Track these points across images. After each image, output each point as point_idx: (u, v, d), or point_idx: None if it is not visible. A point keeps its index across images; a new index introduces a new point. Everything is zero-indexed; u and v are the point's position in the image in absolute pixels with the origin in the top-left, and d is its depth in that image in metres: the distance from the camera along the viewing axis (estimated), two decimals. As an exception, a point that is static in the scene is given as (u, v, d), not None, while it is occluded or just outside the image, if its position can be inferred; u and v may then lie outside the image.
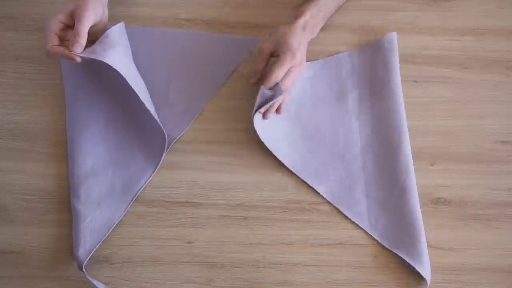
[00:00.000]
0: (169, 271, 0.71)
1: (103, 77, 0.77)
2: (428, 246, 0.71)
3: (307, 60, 0.75)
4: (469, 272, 0.71)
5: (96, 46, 0.68)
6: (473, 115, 0.77)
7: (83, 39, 0.66)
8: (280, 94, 0.70)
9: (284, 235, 0.73)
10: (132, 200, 0.73)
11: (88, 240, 0.70)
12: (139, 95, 0.69)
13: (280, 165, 0.75)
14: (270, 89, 0.70)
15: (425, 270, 0.69)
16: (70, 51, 0.66)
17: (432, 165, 0.75)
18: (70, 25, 0.68)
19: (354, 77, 0.78)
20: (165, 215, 0.73)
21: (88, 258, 0.69)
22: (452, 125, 0.77)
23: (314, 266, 0.71)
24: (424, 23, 0.81)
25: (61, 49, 0.66)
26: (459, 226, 0.73)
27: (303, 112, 0.78)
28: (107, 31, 0.70)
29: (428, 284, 0.68)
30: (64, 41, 0.68)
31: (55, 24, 0.67)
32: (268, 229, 0.73)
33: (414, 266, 0.69)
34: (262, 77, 0.75)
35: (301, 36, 0.73)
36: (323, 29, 0.79)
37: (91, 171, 0.73)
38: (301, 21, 0.74)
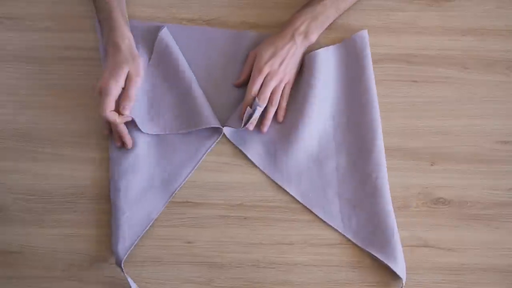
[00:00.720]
0: (169, 271, 0.71)
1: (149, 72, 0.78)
2: (428, 246, 0.72)
3: None
4: (469, 272, 0.71)
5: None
6: (473, 115, 0.77)
7: (132, 103, 0.71)
8: (256, 108, 0.72)
9: (284, 235, 0.73)
10: (170, 196, 0.73)
11: (126, 236, 0.70)
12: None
13: (280, 165, 0.75)
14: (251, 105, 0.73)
15: (399, 268, 0.69)
16: (120, 113, 0.70)
17: (432, 165, 0.75)
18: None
19: (326, 76, 0.77)
20: (165, 215, 0.73)
21: (127, 254, 0.69)
22: (452, 125, 0.77)
23: (314, 266, 0.71)
24: (424, 23, 0.81)
25: (115, 114, 0.70)
26: (459, 226, 0.73)
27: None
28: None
29: (404, 282, 0.69)
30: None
31: (116, 90, 0.70)
32: (268, 229, 0.73)
33: (389, 264, 0.69)
34: (243, 81, 0.77)
35: (287, 45, 0.75)
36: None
37: (131, 166, 0.73)
38: (288, 30, 0.75)
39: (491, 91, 0.78)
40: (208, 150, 0.75)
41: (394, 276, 0.70)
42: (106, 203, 0.74)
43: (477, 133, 0.76)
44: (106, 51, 0.73)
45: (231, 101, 0.78)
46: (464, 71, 0.79)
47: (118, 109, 0.70)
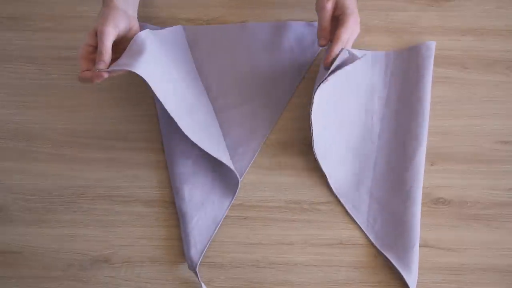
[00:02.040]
0: (169, 271, 0.71)
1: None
2: (428, 246, 0.72)
3: None
4: (469, 272, 0.71)
5: (122, 58, 0.66)
6: (473, 115, 0.77)
7: (105, 56, 0.64)
8: (355, 60, 0.66)
9: (284, 235, 0.73)
10: (234, 196, 0.73)
11: (197, 240, 0.71)
12: (161, 100, 0.65)
13: (280, 165, 0.75)
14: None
15: (411, 279, 0.69)
16: (95, 70, 0.64)
17: (432, 165, 0.75)
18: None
19: (386, 78, 0.78)
20: (165, 215, 0.73)
21: (201, 258, 0.70)
22: (452, 125, 0.77)
23: (314, 266, 0.71)
24: (424, 23, 0.81)
25: (89, 73, 0.65)
26: (459, 226, 0.73)
27: (332, 99, 0.76)
28: (132, 40, 0.68)
29: None
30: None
31: (83, 49, 0.66)
32: (268, 229, 0.73)
33: (402, 273, 0.69)
34: (329, 37, 0.71)
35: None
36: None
37: (192, 170, 0.73)
38: None
39: (491, 91, 0.78)
40: (259, 148, 0.75)
41: (394, 276, 0.70)
42: (106, 203, 0.74)
43: (477, 133, 0.76)
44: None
45: (285, 89, 0.78)
46: (464, 71, 0.79)
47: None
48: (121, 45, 0.68)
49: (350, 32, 0.68)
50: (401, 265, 0.69)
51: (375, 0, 0.82)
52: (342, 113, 0.76)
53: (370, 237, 0.72)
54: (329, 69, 0.67)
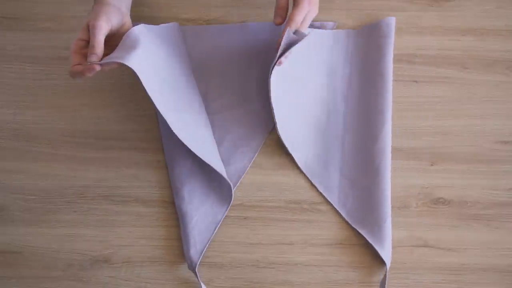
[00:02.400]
0: (169, 271, 0.71)
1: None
2: (428, 246, 0.72)
3: None
4: (469, 272, 0.71)
5: (115, 52, 0.66)
6: (473, 115, 0.77)
7: (97, 49, 0.64)
8: (302, 38, 0.67)
9: (284, 235, 0.73)
10: (233, 196, 0.73)
11: (197, 240, 0.71)
12: (151, 96, 0.65)
13: (280, 165, 0.75)
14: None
15: (385, 252, 0.70)
16: (87, 63, 0.63)
17: (432, 165, 0.75)
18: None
19: (347, 56, 0.79)
20: (165, 215, 0.73)
21: (200, 258, 0.70)
22: (452, 125, 0.77)
23: (314, 266, 0.71)
24: (424, 23, 0.81)
25: (80, 67, 0.64)
26: (459, 226, 0.73)
27: (294, 81, 0.77)
28: (125, 35, 0.68)
29: (388, 267, 0.69)
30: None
31: (75, 44, 0.66)
32: (268, 229, 0.73)
33: (375, 246, 0.70)
34: (285, 16, 0.72)
35: None
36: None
37: (192, 170, 0.73)
38: None
39: (491, 91, 0.78)
40: (260, 147, 0.76)
41: (395, 277, 0.70)
42: (106, 203, 0.74)
43: (477, 133, 0.76)
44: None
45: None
46: (464, 71, 0.79)
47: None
48: (113, 41, 0.68)
49: (304, 13, 0.69)
50: (375, 240, 0.70)
51: (375, 0, 0.82)
52: (307, 95, 0.77)
53: (343, 214, 0.73)
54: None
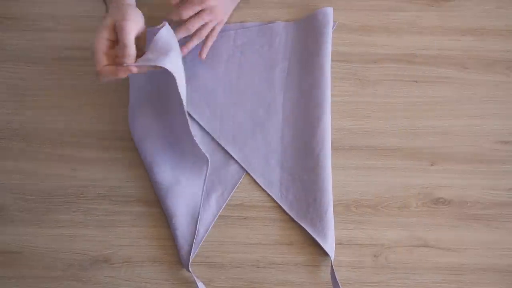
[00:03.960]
0: (169, 271, 0.71)
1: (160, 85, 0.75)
2: (428, 246, 0.72)
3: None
4: (469, 272, 0.71)
5: (148, 53, 0.63)
6: (473, 115, 0.77)
7: (131, 50, 0.61)
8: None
9: (284, 235, 0.73)
10: (228, 196, 0.73)
11: (183, 241, 0.71)
12: (184, 103, 0.65)
13: (280, 165, 0.75)
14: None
15: (328, 245, 0.70)
16: (122, 64, 0.61)
17: (432, 165, 0.75)
18: (115, 40, 0.63)
19: (286, 49, 0.79)
20: (165, 215, 0.73)
21: (191, 258, 0.70)
22: (452, 125, 0.77)
23: (314, 266, 0.71)
24: (424, 23, 0.81)
25: (112, 67, 0.61)
26: (459, 226, 0.73)
27: (228, 78, 0.78)
28: (156, 37, 0.64)
29: (332, 260, 0.69)
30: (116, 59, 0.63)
31: (102, 43, 0.62)
32: (268, 229, 0.73)
33: (317, 239, 0.70)
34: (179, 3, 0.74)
35: None
36: (323, 29, 0.79)
37: (173, 179, 0.72)
38: None
39: (491, 91, 0.78)
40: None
41: (394, 276, 0.70)
42: (106, 203, 0.74)
43: (477, 133, 0.76)
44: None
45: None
46: (464, 71, 0.79)
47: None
48: (137, 42, 0.65)
49: (195, 9, 0.71)
50: (316, 232, 0.70)
51: (375, 0, 0.82)
52: (245, 91, 0.78)
53: (285, 209, 0.73)
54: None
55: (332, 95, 0.77)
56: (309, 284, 0.71)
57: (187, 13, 0.73)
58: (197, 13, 0.74)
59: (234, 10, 0.82)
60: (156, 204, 0.74)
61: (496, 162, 0.75)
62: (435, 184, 0.74)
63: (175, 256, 0.72)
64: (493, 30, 0.80)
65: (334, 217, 0.73)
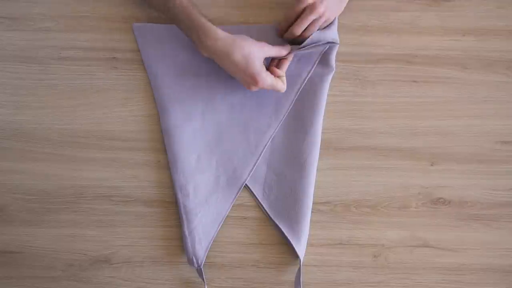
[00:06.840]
0: (169, 271, 0.71)
1: (198, 70, 0.77)
2: (428, 246, 0.72)
3: None
4: (469, 272, 0.71)
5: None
6: (473, 115, 0.77)
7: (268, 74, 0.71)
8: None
9: (284, 235, 0.72)
10: (237, 193, 0.73)
11: (202, 237, 0.71)
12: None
13: (280, 165, 0.75)
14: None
15: (300, 247, 0.70)
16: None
17: (432, 165, 0.75)
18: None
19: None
20: (165, 215, 0.73)
21: (205, 255, 0.70)
22: (452, 125, 0.77)
23: (314, 266, 0.71)
24: (424, 23, 0.81)
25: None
26: (459, 226, 0.73)
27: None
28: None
29: (302, 262, 0.70)
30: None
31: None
32: (268, 229, 0.73)
33: (291, 241, 0.70)
34: (287, 28, 0.76)
35: None
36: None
37: (196, 167, 0.73)
38: None
39: (491, 91, 0.78)
40: (268, 143, 0.75)
41: (394, 276, 0.70)
42: (106, 203, 0.74)
43: (477, 133, 0.76)
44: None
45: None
46: (464, 71, 0.79)
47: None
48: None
49: (303, 25, 0.73)
50: (291, 234, 0.71)
51: (375, 0, 0.82)
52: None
53: (265, 207, 0.73)
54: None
55: (332, 95, 0.77)
56: (309, 284, 0.71)
57: (300, 29, 0.73)
58: (309, 24, 0.74)
59: (235, 10, 0.82)
60: (156, 204, 0.74)
61: (496, 162, 0.75)
62: (435, 184, 0.74)
63: (175, 256, 0.72)
64: (493, 30, 0.80)
65: (334, 217, 0.73)
